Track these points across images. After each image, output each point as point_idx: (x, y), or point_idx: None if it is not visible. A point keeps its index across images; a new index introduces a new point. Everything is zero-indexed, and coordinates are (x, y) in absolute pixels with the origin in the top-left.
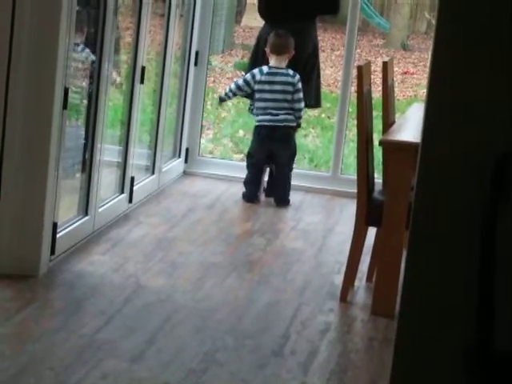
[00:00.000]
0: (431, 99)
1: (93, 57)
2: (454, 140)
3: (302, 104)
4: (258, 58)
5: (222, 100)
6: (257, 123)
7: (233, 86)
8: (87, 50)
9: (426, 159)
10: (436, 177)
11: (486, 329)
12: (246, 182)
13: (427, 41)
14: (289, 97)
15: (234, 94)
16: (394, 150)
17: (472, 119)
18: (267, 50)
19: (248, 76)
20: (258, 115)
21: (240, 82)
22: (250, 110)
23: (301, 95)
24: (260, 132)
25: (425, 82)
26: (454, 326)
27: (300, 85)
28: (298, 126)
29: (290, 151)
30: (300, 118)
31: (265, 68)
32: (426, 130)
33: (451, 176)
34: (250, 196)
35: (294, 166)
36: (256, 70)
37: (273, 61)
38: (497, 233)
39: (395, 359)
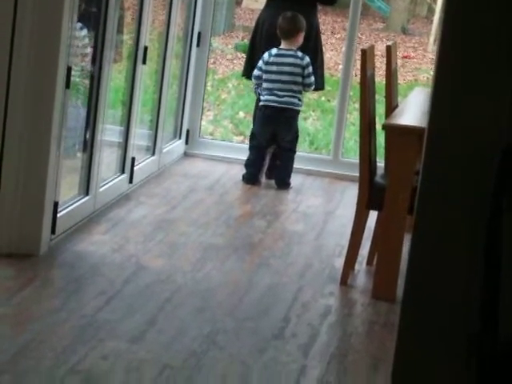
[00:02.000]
0: (438, 86)
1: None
2: (460, 127)
3: (312, 87)
4: (256, 41)
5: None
6: (261, 103)
7: (253, 80)
8: (85, 30)
9: (433, 146)
10: (442, 163)
11: (489, 319)
12: (247, 164)
13: (427, 25)
14: (298, 79)
15: (259, 84)
16: (398, 134)
17: (479, 107)
18: (277, 32)
19: (260, 62)
20: (263, 95)
21: (255, 72)
22: (255, 90)
23: (312, 79)
24: (264, 112)
25: (425, 66)
26: (458, 311)
27: (311, 68)
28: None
29: (293, 133)
30: (308, 89)
31: (274, 50)
32: (432, 117)
33: (457, 163)
34: (250, 178)
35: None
36: (265, 53)
37: (283, 43)
38: (502, 219)
39: (398, 344)
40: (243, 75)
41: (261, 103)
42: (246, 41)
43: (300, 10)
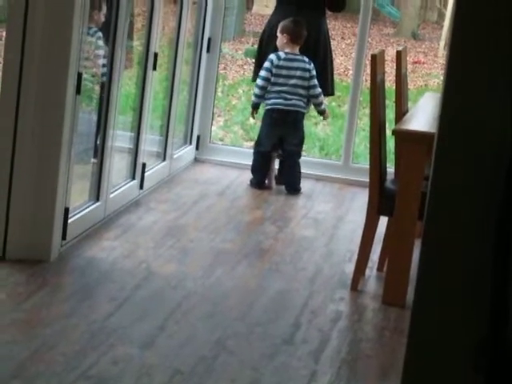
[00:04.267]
0: (447, 91)
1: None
2: (470, 131)
3: (318, 89)
4: (263, 45)
5: (255, 107)
6: (268, 107)
7: (256, 90)
8: (99, 34)
9: (442, 150)
10: (451, 168)
11: (500, 324)
12: (254, 170)
13: (438, 30)
14: (305, 83)
15: (262, 93)
16: (407, 139)
17: (489, 112)
18: (284, 36)
19: (267, 64)
20: (270, 99)
21: (259, 82)
22: (260, 94)
23: (315, 81)
24: (272, 116)
25: (435, 71)
26: (469, 317)
27: (314, 72)
28: (322, 112)
29: (299, 137)
30: (320, 104)
31: (281, 53)
32: (442, 121)
33: (467, 168)
34: (258, 183)
35: (304, 153)
36: (273, 56)
37: (288, 48)
38: None
39: (408, 350)
40: (253, 80)
41: (268, 107)
42: (256, 46)
43: (309, 15)
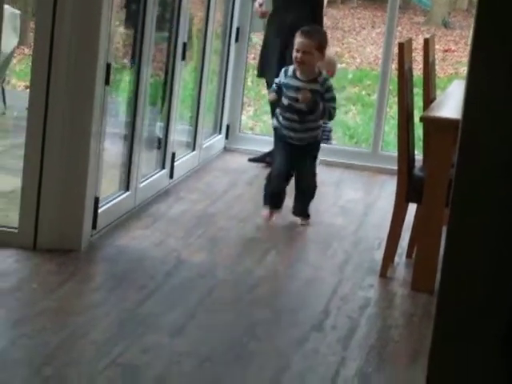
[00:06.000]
0: (472, 77)
1: None
2: (494, 118)
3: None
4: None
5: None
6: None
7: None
8: None
9: (467, 136)
10: (476, 154)
11: None
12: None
13: (468, 18)
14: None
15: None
16: (435, 126)
17: None
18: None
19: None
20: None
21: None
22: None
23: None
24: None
25: (466, 59)
26: (494, 303)
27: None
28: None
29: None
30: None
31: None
32: (466, 106)
33: (492, 155)
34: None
35: (334, 142)
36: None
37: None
38: None
39: (434, 335)
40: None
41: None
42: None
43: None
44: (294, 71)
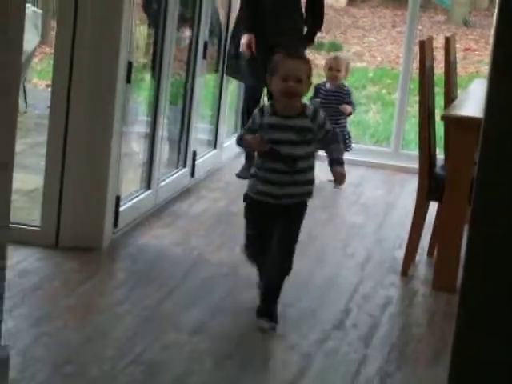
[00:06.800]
0: (494, 75)
1: None
2: None
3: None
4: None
5: None
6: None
7: None
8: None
9: (489, 134)
10: (499, 152)
11: None
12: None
13: (489, 17)
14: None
15: None
16: (457, 124)
17: None
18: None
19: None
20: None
21: None
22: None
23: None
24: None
25: (486, 58)
26: None
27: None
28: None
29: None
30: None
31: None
32: (488, 105)
33: None
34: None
35: (355, 141)
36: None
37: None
38: None
39: (456, 334)
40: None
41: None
42: None
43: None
44: (273, 106)
